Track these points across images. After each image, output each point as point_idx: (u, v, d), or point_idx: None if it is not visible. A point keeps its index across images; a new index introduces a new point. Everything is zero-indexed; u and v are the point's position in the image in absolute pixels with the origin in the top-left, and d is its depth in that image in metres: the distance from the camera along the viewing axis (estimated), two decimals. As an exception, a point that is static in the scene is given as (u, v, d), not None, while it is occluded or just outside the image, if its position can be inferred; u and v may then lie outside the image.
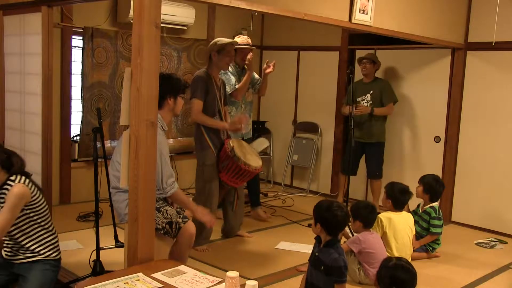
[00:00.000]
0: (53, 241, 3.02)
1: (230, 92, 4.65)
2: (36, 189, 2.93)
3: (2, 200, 2.84)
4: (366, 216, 3.76)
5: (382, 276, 2.69)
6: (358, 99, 5.57)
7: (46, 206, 3.03)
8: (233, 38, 4.61)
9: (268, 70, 4.88)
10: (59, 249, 3.07)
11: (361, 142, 5.54)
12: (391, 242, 4.08)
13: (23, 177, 2.88)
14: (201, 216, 3.36)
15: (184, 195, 3.36)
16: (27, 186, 2.86)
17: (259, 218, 5.25)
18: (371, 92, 5.53)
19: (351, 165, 5.39)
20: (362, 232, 3.79)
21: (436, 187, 4.46)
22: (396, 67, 5.90)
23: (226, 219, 4.65)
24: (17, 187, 2.80)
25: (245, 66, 4.83)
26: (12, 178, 2.86)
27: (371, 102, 5.52)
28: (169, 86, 3.20)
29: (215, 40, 4.32)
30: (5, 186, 2.84)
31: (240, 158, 4.13)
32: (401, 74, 5.86)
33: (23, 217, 2.88)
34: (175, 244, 3.25)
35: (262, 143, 4.80)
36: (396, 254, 3.99)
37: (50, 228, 3.03)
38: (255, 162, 4.27)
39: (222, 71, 4.47)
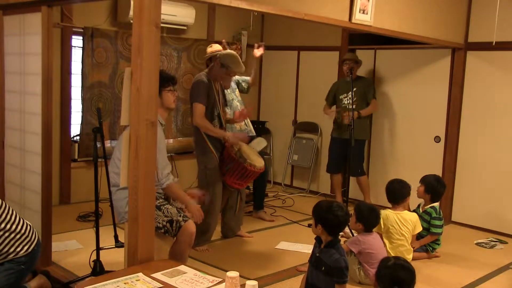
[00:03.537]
0: (18, 237, 2.98)
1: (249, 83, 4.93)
2: None
3: None
4: (371, 221, 3.76)
5: (382, 276, 2.68)
6: (340, 97, 5.66)
7: (5, 208, 2.98)
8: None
9: (259, 53, 4.77)
10: (31, 241, 3.02)
11: (343, 139, 5.54)
12: (385, 240, 4.08)
13: None
14: (193, 210, 3.36)
15: (179, 189, 3.35)
16: None
17: (263, 219, 5.25)
18: (354, 89, 5.52)
19: (337, 163, 5.44)
20: (361, 232, 3.79)
21: (438, 187, 4.46)
22: (396, 67, 5.89)
23: (225, 221, 4.64)
24: None
25: None
26: None
27: (354, 99, 5.53)
28: None
29: (228, 53, 4.24)
30: None
31: (247, 160, 4.14)
32: (401, 74, 5.85)
33: None
34: (176, 243, 3.25)
35: (260, 142, 4.80)
36: (391, 253, 3.99)
37: (12, 228, 2.97)
38: (258, 162, 4.28)
39: None
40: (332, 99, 5.85)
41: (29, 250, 3.01)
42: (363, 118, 5.63)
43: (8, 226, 2.97)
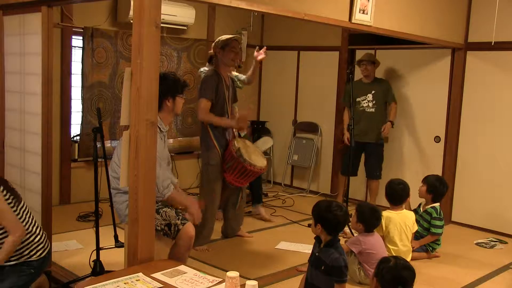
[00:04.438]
0: (35, 240, 3.00)
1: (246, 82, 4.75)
2: (8, 193, 2.92)
3: None
4: (372, 222, 3.75)
5: (384, 277, 2.67)
6: (358, 99, 5.55)
7: (25, 208, 3.01)
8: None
9: (260, 57, 4.63)
10: (44, 247, 3.04)
11: (361, 142, 5.50)
12: (388, 243, 4.08)
13: None
14: (193, 212, 3.34)
15: (179, 194, 3.36)
16: None
17: (261, 217, 5.25)
18: (373, 92, 5.52)
19: (352, 166, 5.39)
20: (362, 232, 3.79)
21: (440, 188, 4.46)
22: (396, 67, 5.90)
23: (226, 220, 4.65)
24: None
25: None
26: None
27: (373, 102, 5.51)
28: (166, 88, 3.13)
29: (218, 38, 4.31)
30: None
31: (246, 159, 4.13)
32: (401, 74, 5.86)
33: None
34: (174, 246, 3.24)
35: (266, 142, 4.80)
36: (394, 254, 3.98)
37: (33, 230, 3.01)
38: (260, 162, 4.27)
39: None
40: (349, 100, 5.44)
41: (42, 256, 3.02)
42: (381, 119, 5.56)
43: (30, 228, 2.99)
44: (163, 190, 3.18)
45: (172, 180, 3.53)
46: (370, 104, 5.52)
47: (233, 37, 4.29)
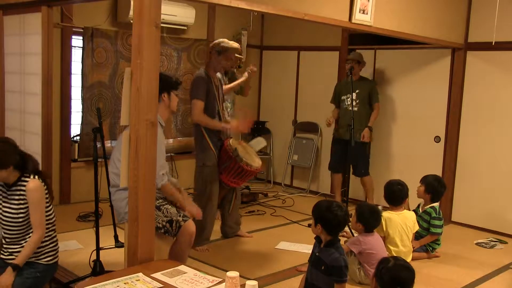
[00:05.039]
0: (50, 246, 3.03)
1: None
2: (49, 195, 3.01)
3: (18, 197, 2.90)
4: (371, 222, 3.74)
5: (383, 277, 2.67)
6: (342, 97, 5.62)
7: (53, 213, 3.05)
8: (233, 39, 4.61)
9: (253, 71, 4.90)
10: (55, 256, 3.07)
11: (345, 140, 5.48)
12: (389, 244, 4.08)
13: (37, 176, 2.96)
14: (190, 208, 3.39)
15: (173, 189, 3.36)
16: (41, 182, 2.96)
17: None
18: (357, 91, 5.53)
19: (339, 163, 5.45)
20: (362, 232, 3.79)
21: (438, 188, 4.46)
22: (396, 67, 5.89)
23: (224, 219, 4.65)
24: (33, 182, 2.90)
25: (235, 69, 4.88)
26: (27, 174, 2.93)
27: (357, 101, 5.52)
28: (160, 83, 3.18)
29: (220, 40, 4.31)
30: (20, 183, 2.91)
31: (243, 159, 4.13)
32: (401, 74, 5.86)
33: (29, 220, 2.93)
34: (175, 243, 3.25)
35: (260, 142, 4.81)
36: (394, 254, 3.98)
37: (52, 235, 3.05)
38: (255, 162, 4.28)
39: None
40: (338, 100, 5.79)
41: (50, 262, 3.03)
42: (366, 119, 5.59)
43: (50, 232, 3.03)
44: (157, 179, 3.18)
45: (171, 181, 3.54)
46: (354, 103, 5.52)
47: (232, 47, 4.27)
